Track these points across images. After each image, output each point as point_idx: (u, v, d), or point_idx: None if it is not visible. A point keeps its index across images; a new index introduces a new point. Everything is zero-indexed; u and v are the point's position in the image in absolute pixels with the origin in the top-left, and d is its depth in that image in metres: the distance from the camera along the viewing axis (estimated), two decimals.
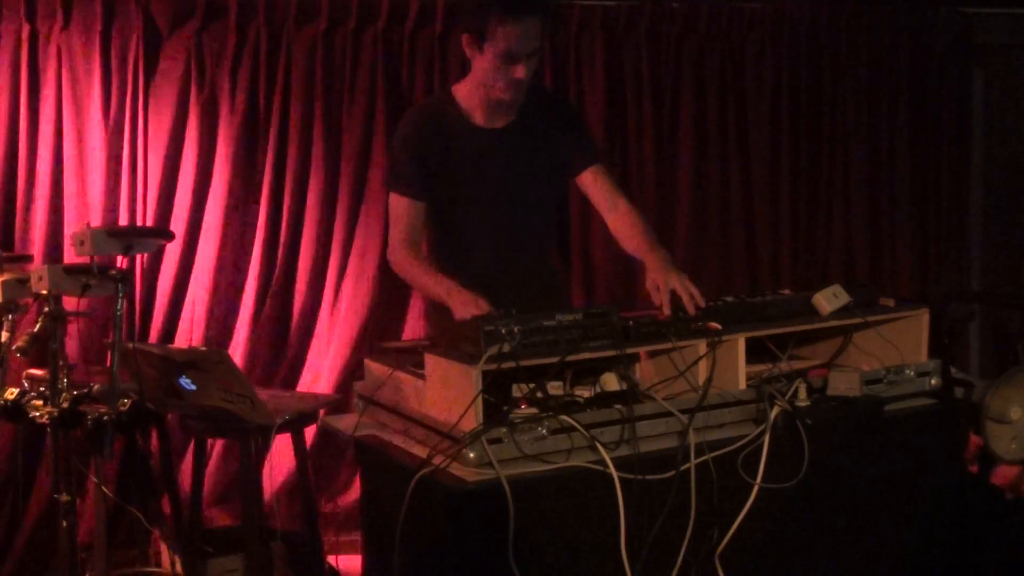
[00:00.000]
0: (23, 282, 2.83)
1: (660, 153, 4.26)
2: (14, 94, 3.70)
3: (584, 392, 2.18)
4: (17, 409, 2.79)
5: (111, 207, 3.78)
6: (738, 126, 4.36)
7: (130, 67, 3.75)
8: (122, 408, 2.66)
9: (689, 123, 4.28)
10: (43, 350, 2.72)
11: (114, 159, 3.77)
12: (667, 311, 2.31)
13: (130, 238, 2.79)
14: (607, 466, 1.96)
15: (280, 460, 3.76)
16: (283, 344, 3.98)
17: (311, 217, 3.94)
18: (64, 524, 2.69)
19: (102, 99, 3.73)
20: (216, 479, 3.87)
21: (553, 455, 2.00)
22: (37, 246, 3.71)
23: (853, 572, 2.33)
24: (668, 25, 4.22)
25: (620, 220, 2.75)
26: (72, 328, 3.61)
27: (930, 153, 4.57)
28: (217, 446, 3.85)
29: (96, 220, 3.74)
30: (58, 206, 3.75)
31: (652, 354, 2.27)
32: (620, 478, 1.96)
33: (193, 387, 2.73)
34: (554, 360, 2.06)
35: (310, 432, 3.78)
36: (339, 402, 3.33)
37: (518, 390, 2.09)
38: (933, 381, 2.44)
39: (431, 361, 2.14)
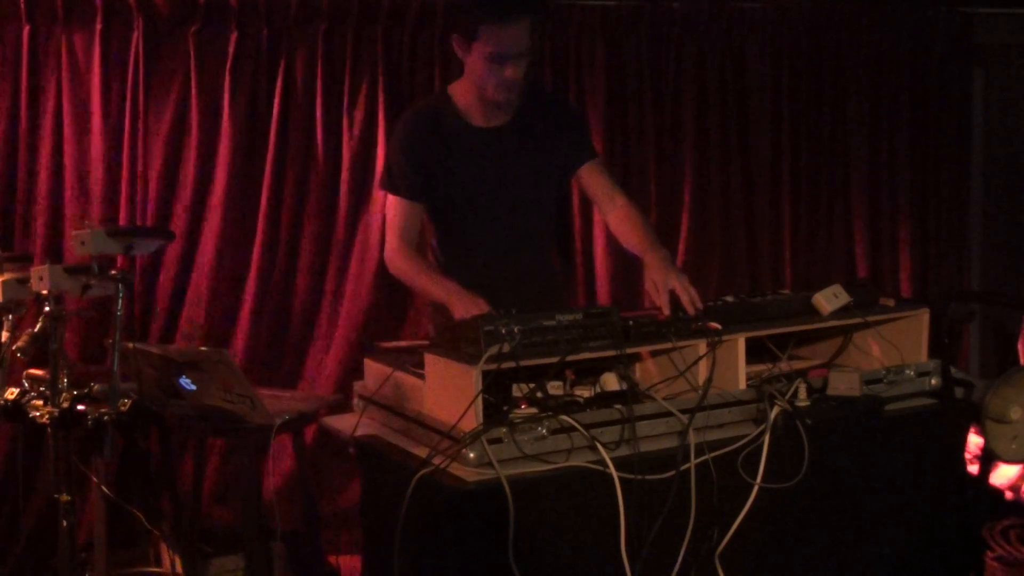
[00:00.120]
0: (23, 282, 2.82)
1: (661, 153, 4.26)
2: (14, 94, 3.70)
3: (584, 392, 2.18)
4: (17, 409, 2.78)
5: (111, 207, 3.77)
6: (738, 126, 4.36)
7: (130, 67, 3.74)
8: (122, 408, 2.65)
9: (690, 123, 4.28)
10: (43, 350, 2.71)
11: (114, 159, 3.77)
12: (666, 311, 2.32)
13: (130, 238, 2.77)
14: (607, 466, 1.96)
15: (280, 460, 3.76)
16: (283, 344, 3.98)
17: (311, 217, 3.94)
18: (64, 524, 2.69)
19: (102, 99, 3.73)
20: (216, 479, 3.86)
21: (553, 455, 2.01)
22: (37, 246, 3.70)
23: (853, 572, 2.33)
24: (668, 26, 4.21)
25: (619, 216, 2.76)
26: (72, 328, 3.63)
27: (930, 153, 4.58)
28: (217, 446, 3.85)
29: (96, 220, 3.73)
30: (58, 206, 3.74)
31: (653, 354, 2.27)
32: (620, 478, 1.96)
33: (193, 387, 2.73)
34: (554, 360, 2.06)
35: (310, 432, 3.79)
36: (339, 402, 3.32)
37: (518, 390, 2.09)
38: (933, 381, 2.45)
39: (431, 361, 2.14)
